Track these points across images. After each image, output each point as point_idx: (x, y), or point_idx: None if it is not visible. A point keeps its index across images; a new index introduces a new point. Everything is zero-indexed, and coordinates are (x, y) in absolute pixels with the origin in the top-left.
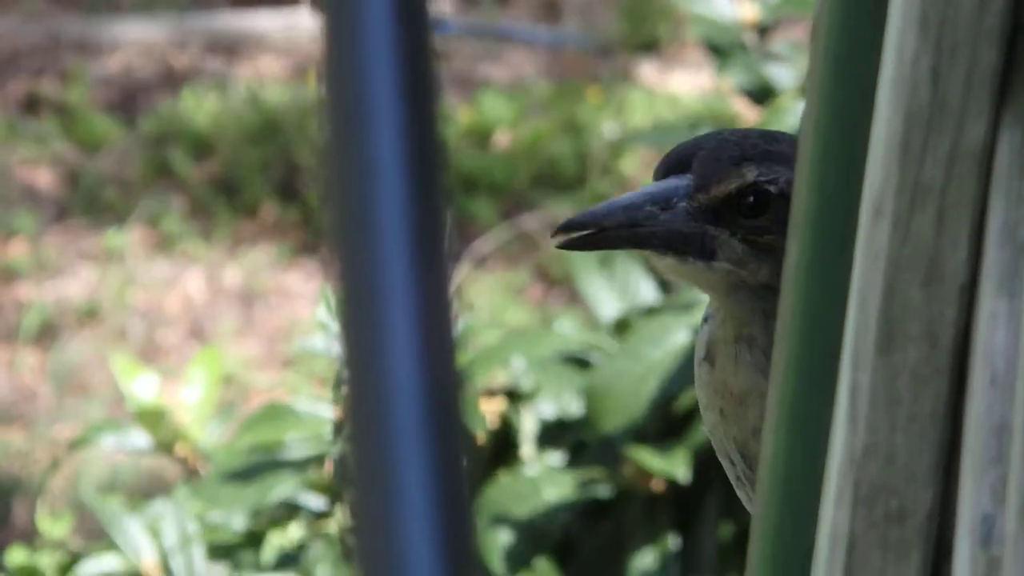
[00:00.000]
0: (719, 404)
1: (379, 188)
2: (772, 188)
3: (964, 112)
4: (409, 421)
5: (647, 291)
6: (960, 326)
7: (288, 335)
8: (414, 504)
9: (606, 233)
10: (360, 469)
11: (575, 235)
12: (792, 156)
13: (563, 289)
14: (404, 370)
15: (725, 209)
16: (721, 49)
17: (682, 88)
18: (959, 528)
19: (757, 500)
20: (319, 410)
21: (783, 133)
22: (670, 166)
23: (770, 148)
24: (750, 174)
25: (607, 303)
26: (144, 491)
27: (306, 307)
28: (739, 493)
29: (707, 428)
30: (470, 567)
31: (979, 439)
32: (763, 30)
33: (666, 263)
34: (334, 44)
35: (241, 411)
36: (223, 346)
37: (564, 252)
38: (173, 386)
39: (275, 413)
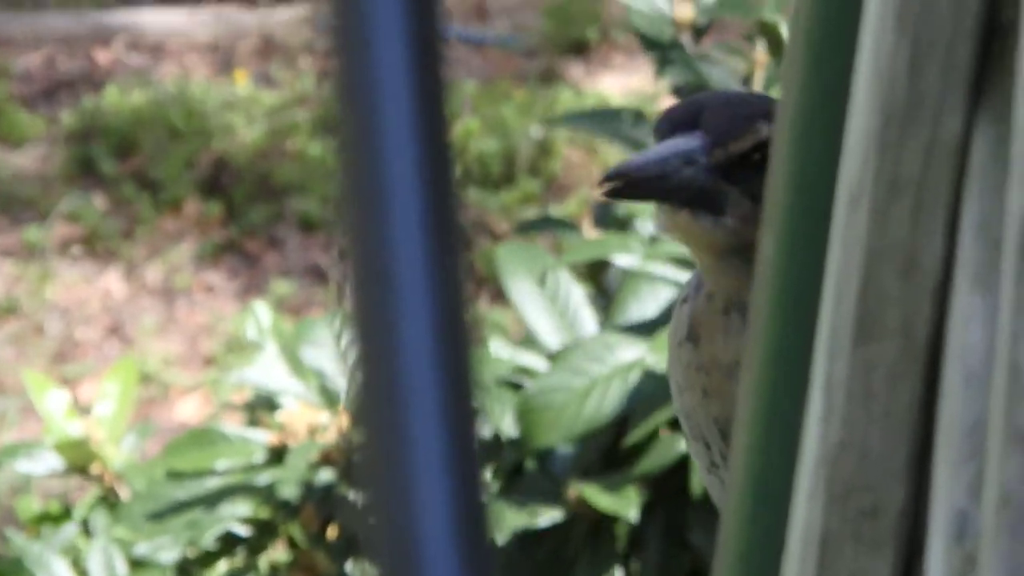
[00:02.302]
0: (702, 383)
1: (392, 180)
2: None
3: (941, 107)
4: (423, 403)
5: (588, 321)
6: (935, 321)
7: (210, 333)
8: (429, 483)
9: (638, 185)
10: (373, 452)
11: (614, 184)
12: None
13: (491, 287)
14: (419, 353)
15: (738, 166)
16: (659, 45)
17: (610, 90)
18: (932, 524)
19: (729, 494)
20: (248, 434)
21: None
22: (676, 123)
23: (772, 108)
24: (764, 131)
25: (548, 333)
26: (59, 495)
27: (228, 305)
28: (709, 480)
29: (682, 412)
30: (486, 551)
31: (954, 436)
32: (698, 31)
33: (680, 218)
34: (344, 45)
35: (160, 413)
36: (143, 344)
37: (492, 251)
38: (92, 384)
39: (202, 437)
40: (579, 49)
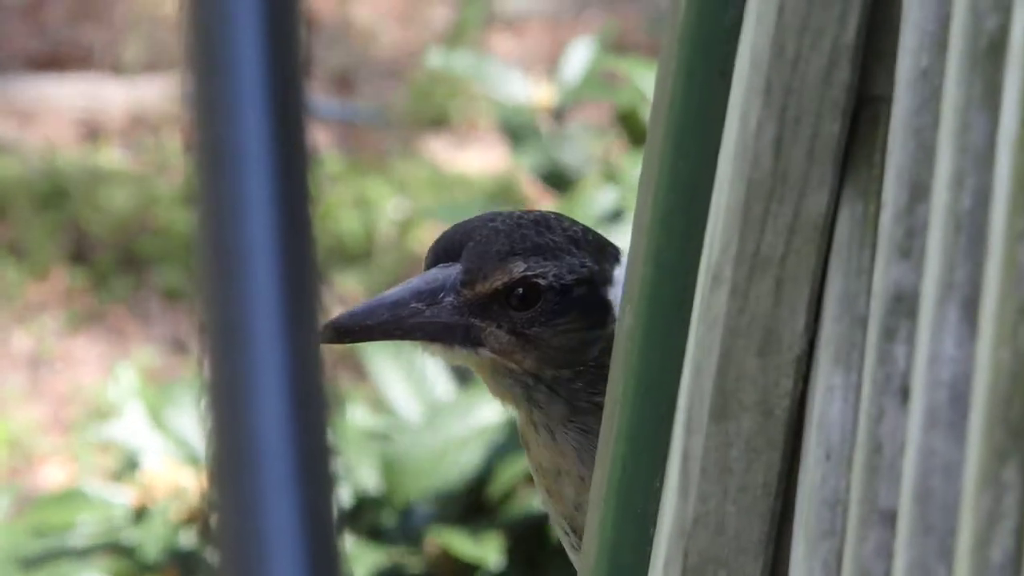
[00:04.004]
0: (543, 483)
1: (251, 251)
2: (541, 282)
3: (806, 183)
4: (277, 463)
5: (444, 388)
6: (795, 397)
7: (74, 401)
8: (283, 548)
9: (369, 330)
10: (227, 516)
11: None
12: (563, 247)
13: (350, 362)
14: (272, 408)
15: (493, 302)
16: (516, 132)
17: (473, 165)
18: None
19: (582, 568)
20: (110, 494)
21: (559, 217)
22: (439, 254)
23: (541, 240)
24: (516, 269)
25: (404, 399)
26: None
27: (93, 373)
28: (574, 560)
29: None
30: None
31: (812, 511)
32: (558, 114)
33: (433, 350)
34: (206, 117)
35: (24, 479)
36: (8, 410)
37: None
38: None
39: (65, 498)
40: (441, 123)
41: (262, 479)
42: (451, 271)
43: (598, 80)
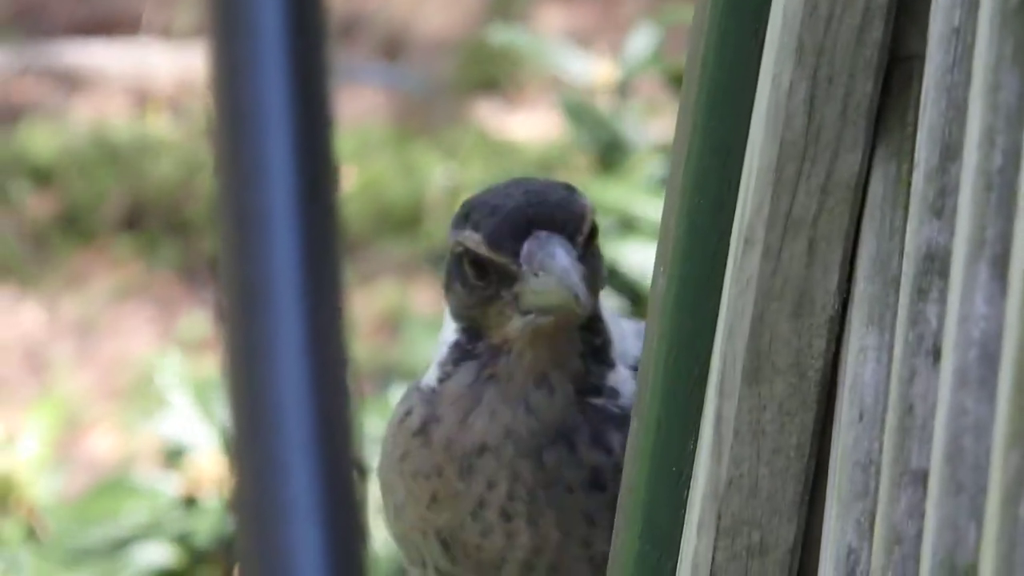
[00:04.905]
0: (430, 489)
1: (271, 217)
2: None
3: (838, 143)
4: (298, 436)
5: None
6: (828, 358)
7: (124, 368)
8: (302, 513)
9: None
10: (247, 482)
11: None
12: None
13: (397, 328)
14: (293, 378)
15: (587, 244)
16: (574, 111)
17: (521, 132)
18: (823, 561)
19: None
20: (159, 485)
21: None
22: (519, 232)
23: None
24: (584, 201)
25: None
26: None
27: (141, 341)
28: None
29: (398, 533)
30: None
31: (845, 473)
32: (621, 90)
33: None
34: (225, 62)
35: (74, 447)
36: (58, 377)
37: (400, 290)
38: (8, 413)
39: (114, 488)
40: (490, 87)
41: (281, 445)
42: (552, 236)
43: (661, 61)
